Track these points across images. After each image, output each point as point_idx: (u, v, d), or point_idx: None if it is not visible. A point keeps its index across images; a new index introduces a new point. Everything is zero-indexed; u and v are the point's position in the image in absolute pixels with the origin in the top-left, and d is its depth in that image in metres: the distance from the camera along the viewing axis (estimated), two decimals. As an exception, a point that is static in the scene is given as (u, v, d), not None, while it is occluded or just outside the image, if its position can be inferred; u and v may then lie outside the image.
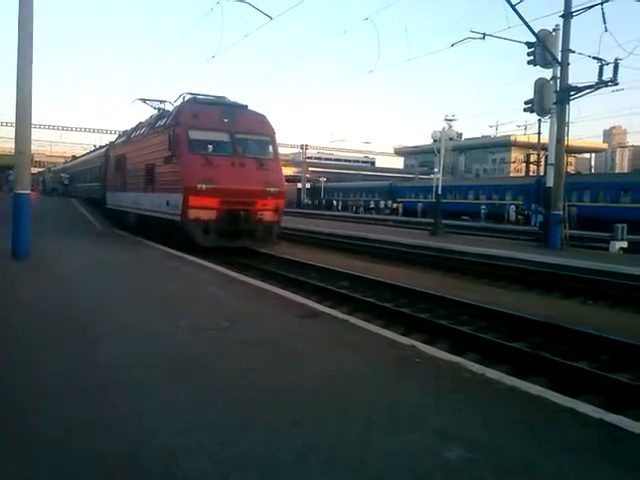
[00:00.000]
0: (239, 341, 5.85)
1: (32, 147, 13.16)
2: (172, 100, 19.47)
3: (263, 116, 17.25)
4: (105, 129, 77.62)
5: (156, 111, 20.72)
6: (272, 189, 15.81)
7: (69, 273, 10.60)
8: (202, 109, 16.43)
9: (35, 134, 68.23)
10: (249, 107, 17.75)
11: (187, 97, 17.43)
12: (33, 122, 12.59)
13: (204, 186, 14.87)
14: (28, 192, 12.20)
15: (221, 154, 15.76)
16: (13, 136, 12.47)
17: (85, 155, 42.71)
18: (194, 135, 15.70)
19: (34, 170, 55.63)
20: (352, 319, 7.37)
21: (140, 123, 21.92)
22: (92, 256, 13.29)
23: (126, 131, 24.56)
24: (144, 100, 21.63)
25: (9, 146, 60.56)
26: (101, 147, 33.25)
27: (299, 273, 13.45)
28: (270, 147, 16.82)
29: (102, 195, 26.35)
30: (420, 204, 54.90)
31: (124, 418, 3.80)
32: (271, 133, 16.98)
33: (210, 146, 16.05)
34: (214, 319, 6.74)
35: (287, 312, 7.51)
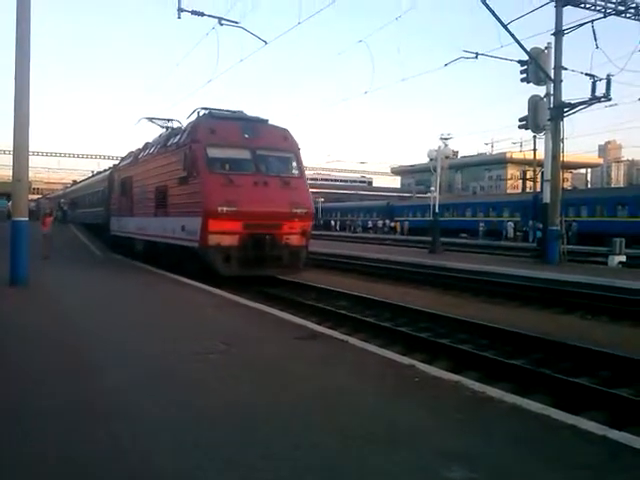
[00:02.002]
0: (240, 363, 5.83)
1: (30, 174, 13.19)
2: (179, 119, 18.72)
3: (286, 130, 15.84)
4: (103, 155, 78.18)
5: (164, 130, 19.66)
6: (299, 210, 14.40)
7: (68, 301, 10.56)
8: (220, 124, 15.05)
9: (33, 161, 68.41)
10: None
11: (202, 112, 16.09)
12: (30, 149, 12.63)
13: (225, 209, 13.43)
14: (26, 219, 12.19)
15: (242, 173, 14.39)
16: (10, 163, 12.52)
17: (86, 179, 41.08)
18: (213, 153, 14.38)
19: (32, 197, 55.36)
20: (351, 339, 7.36)
21: (148, 143, 20.67)
22: (92, 284, 13.19)
23: (132, 152, 23.20)
24: (151, 119, 20.56)
25: (6, 173, 60.78)
26: (104, 170, 31.81)
27: (297, 294, 13.44)
28: (294, 164, 15.44)
29: (106, 220, 25.06)
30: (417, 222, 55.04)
31: (122, 440, 3.77)
32: (295, 149, 15.63)
33: (230, 164, 14.76)
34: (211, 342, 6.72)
35: (287, 334, 7.49)
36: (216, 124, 14.98)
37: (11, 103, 11.70)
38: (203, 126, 15.00)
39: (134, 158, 21.31)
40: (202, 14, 17.45)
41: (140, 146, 21.98)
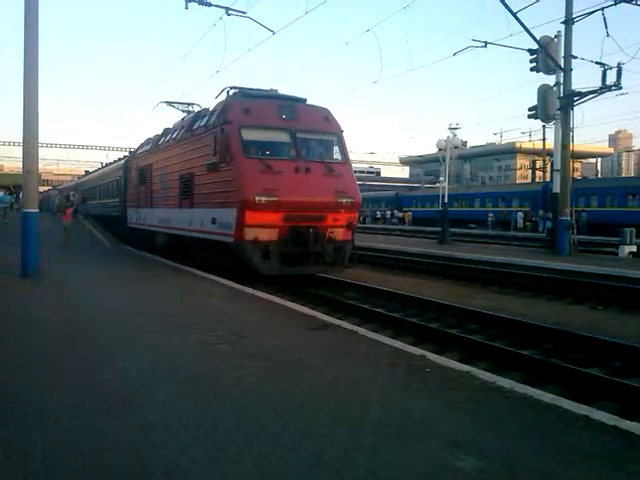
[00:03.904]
0: (249, 353, 5.85)
1: (39, 166, 13.22)
2: (199, 103, 17.32)
3: (327, 110, 14.30)
4: (112, 146, 78.43)
5: (185, 114, 18.30)
6: (345, 200, 12.90)
7: (77, 294, 10.61)
8: (255, 104, 13.37)
9: (42, 153, 68.61)
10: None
11: (232, 92, 14.36)
12: (40, 141, 12.66)
13: (264, 199, 12.01)
14: (36, 211, 12.28)
15: (281, 158, 12.89)
16: (20, 155, 12.57)
17: (99, 169, 38.07)
18: (248, 135, 12.78)
19: (41, 189, 55.15)
20: (361, 330, 7.37)
21: (168, 129, 19.09)
22: (104, 278, 12.90)
23: (150, 139, 21.39)
24: (170, 103, 19.31)
25: (16, 165, 61.09)
26: (119, 159, 29.68)
27: (307, 284, 13.42)
28: (338, 147, 13.89)
29: (121, 213, 23.53)
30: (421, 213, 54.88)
31: (134, 432, 3.80)
32: (338, 130, 14.04)
33: (267, 148, 13.24)
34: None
35: (296, 324, 7.51)
36: (250, 103, 13.36)
37: (20, 95, 11.75)
38: (236, 105, 13.36)
39: (153, 145, 19.72)
40: (209, 4, 17.38)
41: (151, 135, 21.18)
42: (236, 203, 12.24)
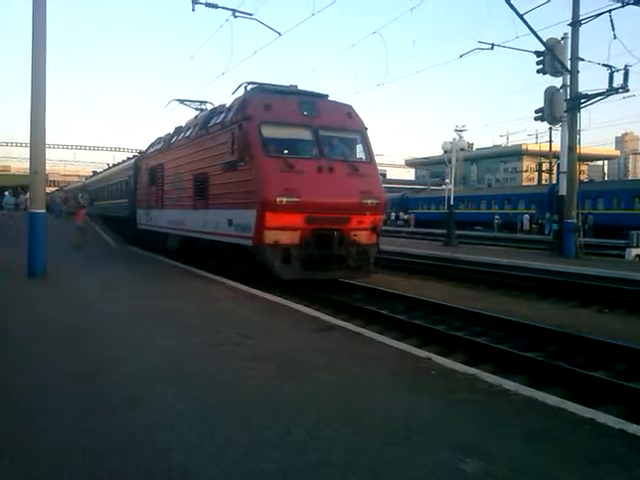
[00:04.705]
0: (254, 355, 5.86)
1: (46, 166, 13.25)
2: (212, 101, 17.14)
3: (350, 107, 13.69)
4: (119, 147, 78.72)
5: (198, 112, 17.71)
6: (370, 201, 12.31)
7: (82, 292, 10.65)
8: (275, 99, 12.76)
9: (49, 154, 68.69)
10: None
11: (249, 87, 13.73)
12: (47, 142, 12.69)
13: (285, 199, 11.45)
14: (43, 211, 12.32)
15: (303, 157, 12.27)
16: (28, 156, 12.62)
17: (107, 170, 37.05)
18: (268, 132, 12.14)
19: (48, 189, 54.81)
20: (366, 332, 7.37)
21: (180, 127, 18.48)
22: (111, 281, 12.72)
23: (161, 137, 20.79)
24: (182, 101, 18.86)
25: (24, 166, 61.28)
26: (128, 159, 28.98)
27: (312, 286, 13.39)
28: (362, 146, 13.27)
29: (131, 214, 22.81)
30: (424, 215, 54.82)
31: (138, 433, 3.81)
32: (362, 128, 13.45)
33: (288, 146, 12.57)
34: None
35: (302, 326, 7.51)
36: (270, 99, 12.74)
37: (28, 96, 11.80)
38: (256, 100, 12.72)
39: (165, 143, 19.09)
40: (216, 6, 17.40)
41: (162, 134, 20.57)
42: (255, 204, 11.67)
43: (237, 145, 12.26)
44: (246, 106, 12.57)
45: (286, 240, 11.68)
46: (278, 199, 11.40)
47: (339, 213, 12.07)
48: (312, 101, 13.13)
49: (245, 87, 13.72)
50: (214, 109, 15.69)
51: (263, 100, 12.62)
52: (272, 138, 12.20)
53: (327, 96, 13.95)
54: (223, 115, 13.85)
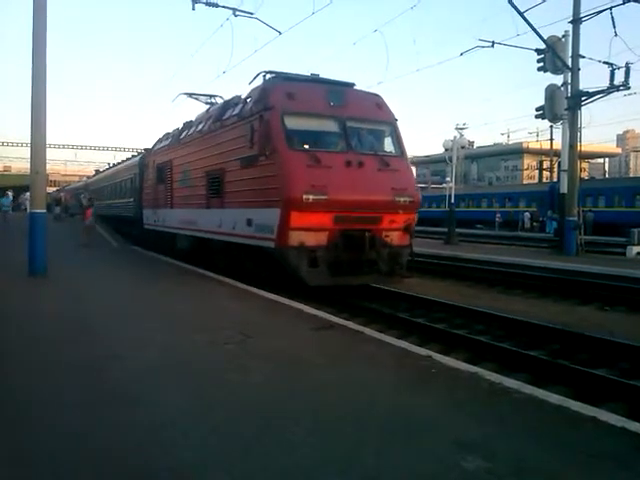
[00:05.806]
0: (256, 353, 5.86)
1: (47, 166, 13.24)
2: (221, 95, 16.51)
3: (379, 97, 12.68)
4: (120, 147, 78.72)
5: (208, 106, 16.95)
6: (403, 199, 11.30)
7: (83, 291, 10.64)
8: (299, 87, 11.75)
9: (50, 153, 68.49)
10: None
11: (268, 77, 12.53)
12: (48, 142, 12.69)
13: (312, 197, 10.41)
14: (44, 211, 12.33)
15: (330, 150, 11.26)
16: (28, 156, 12.61)
17: (111, 168, 35.62)
18: (292, 123, 11.10)
19: (49, 190, 54.49)
20: (367, 330, 7.36)
21: (189, 121, 17.56)
22: (111, 281, 12.78)
23: (168, 133, 19.79)
24: (190, 94, 18.11)
25: (24, 166, 61.27)
26: (133, 156, 27.96)
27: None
28: (393, 139, 12.29)
29: (136, 213, 21.94)
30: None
31: (141, 429, 3.81)
32: (392, 119, 12.47)
33: (314, 139, 11.54)
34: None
35: (303, 324, 7.51)
36: (294, 87, 11.71)
37: (28, 95, 11.80)
38: (278, 89, 11.64)
39: (174, 139, 18.00)
40: (216, 5, 17.39)
41: (170, 130, 19.73)
42: (279, 202, 10.60)
43: (257, 138, 11.23)
44: (267, 95, 11.57)
45: (312, 242, 10.71)
46: (304, 197, 10.39)
47: (370, 212, 11.09)
48: (339, 90, 12.14)
49: (264, 76, 12.59)
50: (228, 101, 14.65)
51: (285, 89, 11.57)
52: (296, 130, 11.20)
53: (354, 85, 12.97)
54: (240, 106, 12.87)
